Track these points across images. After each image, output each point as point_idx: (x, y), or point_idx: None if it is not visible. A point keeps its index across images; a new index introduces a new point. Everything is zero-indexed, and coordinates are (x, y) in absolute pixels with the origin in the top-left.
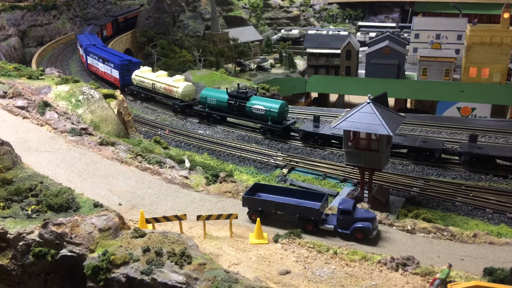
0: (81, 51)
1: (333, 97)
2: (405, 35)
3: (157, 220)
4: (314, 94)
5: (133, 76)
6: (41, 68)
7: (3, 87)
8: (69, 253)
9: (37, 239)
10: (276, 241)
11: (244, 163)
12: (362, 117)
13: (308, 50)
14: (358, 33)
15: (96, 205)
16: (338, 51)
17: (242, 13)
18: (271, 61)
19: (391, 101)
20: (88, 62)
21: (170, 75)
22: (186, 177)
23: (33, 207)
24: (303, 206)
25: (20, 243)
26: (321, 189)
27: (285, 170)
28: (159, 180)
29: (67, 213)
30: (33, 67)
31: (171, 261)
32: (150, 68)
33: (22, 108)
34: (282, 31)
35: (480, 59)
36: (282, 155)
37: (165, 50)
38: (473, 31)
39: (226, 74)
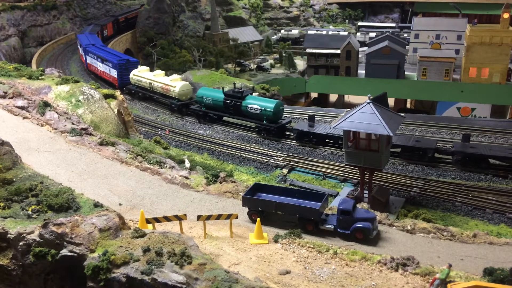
0: (80, 51)
1: (333, 97)
2: (405, 35)
3: (157, 220)
4: (314, 94)
5: (131, 75)
6: (41, 68)
7: (3, 87)
8: (69, 253)
9: (38, 239)
10: (276, 241)
11: (244, 163)
12: (362, 117)
13: (308, 50)
14: (358, 33)
15: (96, 205)
16: (338, 51)
17: (242, 13)
18: (271, 61)
19: (391, 101)
20: (87, 61)
21: (169, 75)
22: (186, 177)
23: (33, 207)
24: (303, 206)
25: (21, 243)
26: (321, 189)
27: (285, 170)
28: (159, 180)
29: (68, 213)
30: (33, 67)
31: (171, 261)
32: (148, 68)
33: (22, 108)
34: (282, 31)
35: (480, 59)
36: (282, 155)
37: (165, 50)
38: (473, 31)
39: (226, 74)
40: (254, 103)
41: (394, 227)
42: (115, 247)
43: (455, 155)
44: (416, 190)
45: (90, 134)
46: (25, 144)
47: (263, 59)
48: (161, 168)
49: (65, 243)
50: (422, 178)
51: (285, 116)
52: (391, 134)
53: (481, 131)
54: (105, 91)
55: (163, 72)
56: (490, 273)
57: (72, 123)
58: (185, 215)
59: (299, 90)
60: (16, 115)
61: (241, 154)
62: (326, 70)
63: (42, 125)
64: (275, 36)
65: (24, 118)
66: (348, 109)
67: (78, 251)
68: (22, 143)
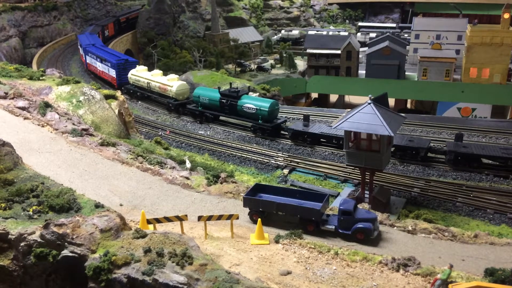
0: (81, 51)
1: (333, 98)
2: (405, 35)
3: (158, 220)
4: (315, 95)
5: (129, 75)
6: (42, 69)
7: (4, 88)
8: (70, 254)
9: (39, 239)
10: (277, 242)
11: (245, 164)
12: (363, 118)
13: (309, 51)
14: (359, 34)
15: (97, 205)
16: (339, 52)
17: (242, 13)
18: (272, 61)
19: (391, 101)
20: (87, 61)
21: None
22: (187, 178)
23: (34, 207)
24: (304, 206)
25: (22, 244)
26: (322, 190)
27: (286, 171)
28: (160, 180)
29: (69, 214)
30: (33, 68)
31: (173, 262)
32: (146, 68)
33: (23, 109)
34: (283, 31)
35: (481, 59)
36: (283, 155)
37: (165, 51)
38: (473, 31)
39: (226, 74)
40: (250, 102)
41: (395, 228)
42: (116, 248)
43: (448, 155)
44: (417, 190)
45: (91, 135)
46: (26, 144)
47: (263, 59)
48: (162, 168)
49: (66, 243)
50: (423, 179)
51: (285, 117)
52: (392, 134)
53: (481, 131)
54: (106, 91)
55: (161, 72)
56: (491, 274)
57: (73, 124)
58: (186, 215)
59: (300, 90)
60: (17, 116)
61: (242, 155)
62: (327, 70)
63: (43, 126)
64: (275, 37)
65: (25, 118)
66: (349, 110)
67: (79, 252)
68: (23, 144)
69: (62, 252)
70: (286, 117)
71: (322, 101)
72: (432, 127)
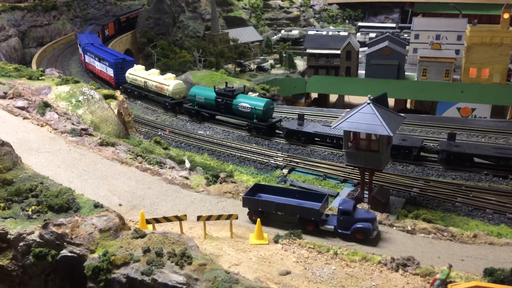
0: (80, 50)
1: (333, 98)
2: (405, 35)
3: (157, 220)
4: (314, 95)
5: (126, 74)
6: (41, 69)
7: (4, 87)
8: (69, 254)
9: (38, 239)
10: (276, 242)
11: (244, 164)
12: (362, 118)
13: (308, 51)
14: (358, 34)
15: (97, 205)
16: (338, 52)
17: (242, 13)
18: (271, 61)
19: (391, 101)
20: (86, 60)
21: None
22: (186, 178)
23: (33, 207)
24: (304, 206)
25: (21, 244)
26: (321, 190)
27: (285, 171)
28: (159, 180)
29: (68, 214)
30: (33, 67)
31: (172, 262)
32: (143, 67)
33: (22, 108)
34: (282, 31)
35: (480, 59)
36: (282, 155)
37: (165, 51)
38: (473, 31)
39: (226, 74)
40: (245, 101)
41: (395, 228)
42: (115, 248)
43: (440, 154)
44: (417, 190)
45: (90, 135)
46: (25, 144)
47: (263, 59)
48: (161, 168)
49: (65, 243)
50: (422, 179)
51: (285, 117)
52: (391, 134)
53: (481, 132)
54: (105, 91)
55: (158, 71)
56: (490, 274)
57: (72, 124)
58: (185, 215)
59: (299, 90)
60: (16, 116)
61: (241, 155)
62: (326, 70)
63: (42, 126)
64: (275, 37)
65: (24, 118)
66: (348, 110)
67: (78, 252)
68: (22, 144)
69: (61, 252)
70: (285, 116)
71: (322, 101)
72: (432, 127)
